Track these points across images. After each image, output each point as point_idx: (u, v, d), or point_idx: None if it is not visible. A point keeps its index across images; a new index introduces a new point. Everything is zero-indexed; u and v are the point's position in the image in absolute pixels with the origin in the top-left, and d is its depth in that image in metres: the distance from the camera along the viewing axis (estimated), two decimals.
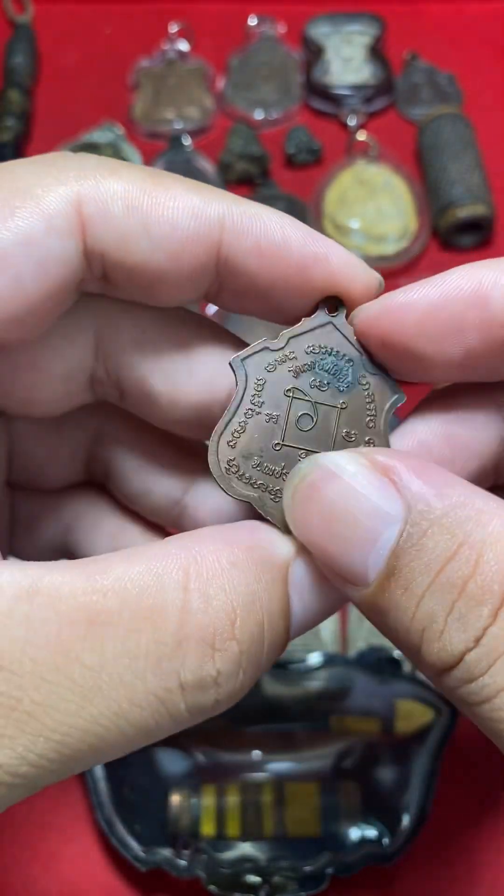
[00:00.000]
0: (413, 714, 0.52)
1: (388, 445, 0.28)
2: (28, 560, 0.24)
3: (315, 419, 0.28)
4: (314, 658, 0.53)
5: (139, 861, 0.48)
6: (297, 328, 0.28)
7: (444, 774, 0.51)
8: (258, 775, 0.51)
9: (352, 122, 0.81)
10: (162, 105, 0.82)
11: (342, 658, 0.54)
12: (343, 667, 0.53)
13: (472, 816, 0.52)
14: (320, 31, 0.85)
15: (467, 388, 0.28)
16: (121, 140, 0.79)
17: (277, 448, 0.27)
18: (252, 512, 0.27)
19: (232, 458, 0.27)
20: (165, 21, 0.87)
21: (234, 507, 0.32)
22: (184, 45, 0.86)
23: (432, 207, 0.74)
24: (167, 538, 0.25)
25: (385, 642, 0.56)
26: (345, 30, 0.85)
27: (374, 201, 0.75)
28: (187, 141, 0.79)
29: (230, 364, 0.28)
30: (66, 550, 0.36)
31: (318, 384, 0.28)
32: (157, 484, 0.34)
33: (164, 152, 0.78)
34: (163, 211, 0.26)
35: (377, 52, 0.84)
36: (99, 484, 0.36)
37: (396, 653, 0.54)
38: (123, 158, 0.76)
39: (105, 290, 0.28)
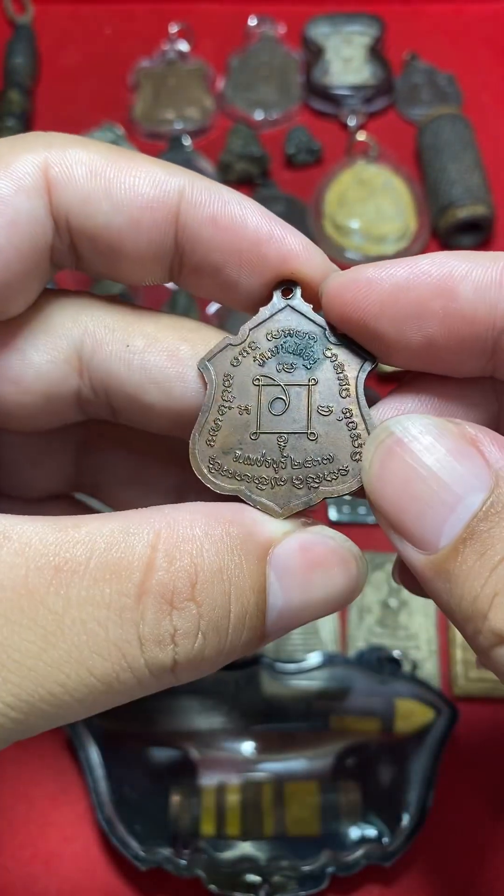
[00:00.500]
0: (413, 714, 0.52)
1: (367, 412, 0.28)
2: None
3: (287, 401, 0.28)
4: (314, 658, 0.53)
5: (139, 860, 0.48)
6: (256, 318, 0.29)
7: (444, 774, 0.51)
8: (258, 775, 0.51)
9: (352, 122, 0.81)
10: (162, 105, 0.82)
11: (342, 658, 0.54)
12: (343, 666, 0.53)
13: (472, 816, 0.52)
14: (320, 31, 0.85)
15: None
16: (121, 140, 0.79)
17: (254, 437, 0.28)
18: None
19: (212, 455, 0.28)
20: (165, 21, 0.87)
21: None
22: (184, 46, 0.86)
23: (432, 208, 0.74)
24: (150, 507, 0.25)
25: (385, 642, 0.56)
26: (345, 30, 0.86)
27: (374, 201, 0.75)
28: (187, 141, 0.79)
29: (197, 367, 0.28)
30: None
31: (284, 367, 0.28)
32: (149, 489, 0.34)
33: (164, 153, 0.78)
34: (125, 177, 0.27)
35: (377, 53, 0.84)
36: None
37: (396, 652, 0.54)
38: None
39: (76, 264, 0.28)
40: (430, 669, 0.56)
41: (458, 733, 0.53)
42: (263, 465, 0.28)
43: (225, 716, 0.52)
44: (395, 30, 0.86)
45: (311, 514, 0.28)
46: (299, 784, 0.51)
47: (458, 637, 0.56)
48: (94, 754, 0.51)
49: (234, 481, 0.28)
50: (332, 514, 0.62)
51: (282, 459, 0.28)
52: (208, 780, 0.51)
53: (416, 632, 0.57)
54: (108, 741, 0.51)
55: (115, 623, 0.22)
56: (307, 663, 0.53)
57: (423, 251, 0.73)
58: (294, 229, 0.28)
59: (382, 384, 0.60)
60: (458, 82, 0.84)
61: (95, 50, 0.88)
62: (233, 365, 0.28)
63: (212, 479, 0.28)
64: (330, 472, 0.27)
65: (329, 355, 0.28)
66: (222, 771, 0.51)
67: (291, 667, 0.53)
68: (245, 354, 0.28)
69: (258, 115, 0.81)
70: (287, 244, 0.27)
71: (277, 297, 0.28)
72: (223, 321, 0.68)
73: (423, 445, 0.24)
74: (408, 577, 0.30)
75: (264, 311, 0.29)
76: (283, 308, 0.28)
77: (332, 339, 0.28)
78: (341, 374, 0.28)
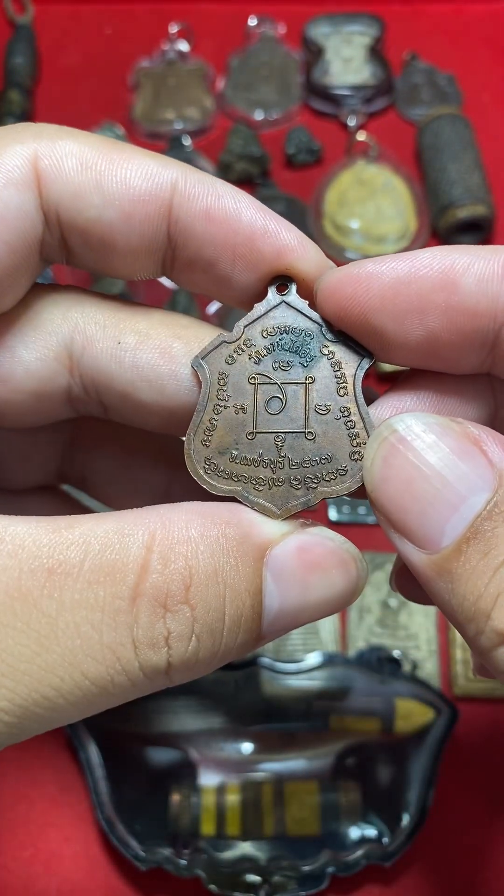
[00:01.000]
0: (413, 713, 0.52)
1: (365, 410, 0.27)
2: None
3: (284, 400, 0.28)
4: (314, 658, 0.53)
5: (139, 860, 0.48)
6: (250, 315, 0.28)
7: (444, 774, 0.51)
8: (258, 775, 0.51)
9: (352, 122, 0.81)
10: (162, 105, 0.82)
11: (342, 658, 0.54)
12: (343, 666, 0.53)
13: (472, 816, 0.52)
14: (320, 31, 0.85)
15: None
16: (121, 140, 0.79)
17: (251, 437, 0.27)
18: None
19: (208, 456, 0.27)
20: (165, 21, 0.87)
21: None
22: (184, 46, 0.86)
23: (432, 208, 0.74)
24: (145, 507, 0.25)
25: (385, 642, 0.56)
26: (345, 30, 0.85)
27: (374, 201, 0.75)
28: (187, 141, 0.79)
29: (191, 365, 0.28)
30: None
31: (280, 365, 0.28)
32: (137, 485, 0.34)
33: (164, 153, 0.78)
34: (116, 170, 0.26)
35: (377, 53, 0.84)
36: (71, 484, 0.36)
37: (396, 652, 0.54)
38: None
39: (67, 258, 0.28)
40: (430, 669, 0.56)
41: (458, 733, 0.53)
42: (261, 466, 0.27)
43: (225, 716, 0.52)
44: (395, 30, 0.86)
45: (309, 514, 0.28)
46: (299, 784, 0.51)
47: (458, 637, 0.56)
48: (94, 754, 0.51)
49: (231, 482, 0.27)
50: (332, 514, 0.62)
51: (279, 459, 0.27)
52: (208, 780, 0.51)
53: (416, 632, 0.57)
54: (108, 741, 0.51)
55: (109, 626, 0.22)
56: (307, 663, 0.53)
57: None
58: (289, 224, 0.28)
59: (382, 384, 0.60)
60: (458, 82, 0.83)
61: (95, 50, 0.88)
62: (228, 363, 0.28)
63: (208, 480, 0.27)
64: (328, 472, 0.27)
65: (326, 353, 0.28)
66: (222, 771, 0.51)
67: (291, 667, 0.53)
68: (240, 352, 0.28)
69: (258, 115, 0.81)
70: (282, 239, 0.27)
71: (272, 293, 0.28)
72: (223, 320, 0.67)
73: (426, 444, 0.24)
74: (406, 584, 0.30)
75: (259, 308, 0.28)
76: (279, 304, 0.28)
77: (329, 336, 0.28)
78: (339, 372, 0.28)
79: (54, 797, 0.53)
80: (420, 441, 0.24)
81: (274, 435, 0.27)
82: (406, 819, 0.49)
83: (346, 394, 0.28)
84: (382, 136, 0.80)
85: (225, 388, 0.28)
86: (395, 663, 0.54)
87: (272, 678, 0.53)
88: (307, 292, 0.28)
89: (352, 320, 0.27)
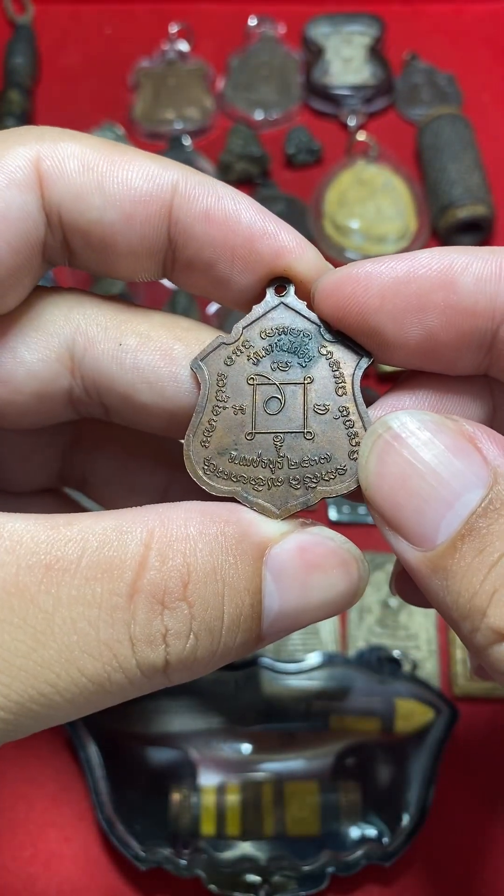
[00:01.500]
0: (413, 713, 0.52)
1: (363, 409, 0.28)
2: None
3: (282, 400, 0.28)
4: (314, 657, 0.53)
5: (139, 860, 0.48)
6: (249, 316, 0.28)
7: (444, 774, 0.51)
8: (258, 775, 0.51)
9: (352, 122, 0.81)
10: (162, 105, 0.82)
11: (342, 657, 0.54)
12: (343, 666, 0.53)
13: (472, 816, 0.52)
14: (320, 31, 0.85)
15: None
16: (121, 140, 0.79)
17: (250, 438, 0.27)
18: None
19: (207, 457, 0.27)
20: (165, 21, 0.87)
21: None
22: (184, 46, 0.86)
23: (432, 208, 0.74)
24: (145, 505, 0.25)
25: (385, 642, 0.56)
26: (345, 30, 0.86)
27: (374, 202, 0.75)
28: (187, 141, 0.79)
29: (190, 367, 0.28)
30: None
31: (279, 366, 0.28)
32: (137, 487, 0.34)
33: (165, 153, 0.78)
34: (118, 171, 0.26)
35: (377, 53, 0.84)
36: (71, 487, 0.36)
37: (396, 652, 0.54)
38: None
39: (68, 260, 0.28)
40: (430, 669, 0.56)
41: (458, 733, 0.53)
42: (260, 466, 0.27)
43: (225, 716, 0.52)
44: (395, 30, 0.86)
45: (309, 514, 0.28)
46: (299, 784, 0.51)
47: (458, 637, 0.56)
48: (94, 754, 0.51)
49: (230, 483, 0.27)
50: (332, 513, 0.62)
51: (278, 459, 0.27)
52: (208, 780, 0.51)
53: (416, 632, 0.57)
54: (108, 741, 0.51)
55: (106, 623, 0.22)
56: (307, 663, 0.53)
57: None
58: (288, 226, 0.28)
59: (382, 384, 0.60)
60: (458, 82, 0.84)
61: (95, 50, 0.88)
62: (226, 364, 0.28)
63: (207, 480, 0.27)
64: (327, 472, 0.27)
65: (324, 353, 0.28)
66: (222, 771, 0.51)
67: (291, 667, 0.53)
68: (239, 353, 0.28)
69: (258, 115, 0.81)
70: (280, 240, 0.27)
71: (271, 295, 0.28)
72: (223, 321, 0.67)
73: (421, 441, 0.24)
74: (406, 587, 0.30)
75: (258, 309, 0.28)
76: (277, 306, 0.28)
77: (327, 336, 0.28)
78: (337, 372, 0.28)
79: (54, 797, 0.53)
80: (415, 438, 0.24)
81: (273, 435, 0.27)
82: (406, 819, 0.49)
83: (344, 393, 0.28)
84: (382, 136, 0.80)
85: (224, 389, 0.28)
86: (395, 663, 0.54)
87: (272, 678, 0.53)
88: (305, 294, 0.28)
89: (350, 320, 0.27)
